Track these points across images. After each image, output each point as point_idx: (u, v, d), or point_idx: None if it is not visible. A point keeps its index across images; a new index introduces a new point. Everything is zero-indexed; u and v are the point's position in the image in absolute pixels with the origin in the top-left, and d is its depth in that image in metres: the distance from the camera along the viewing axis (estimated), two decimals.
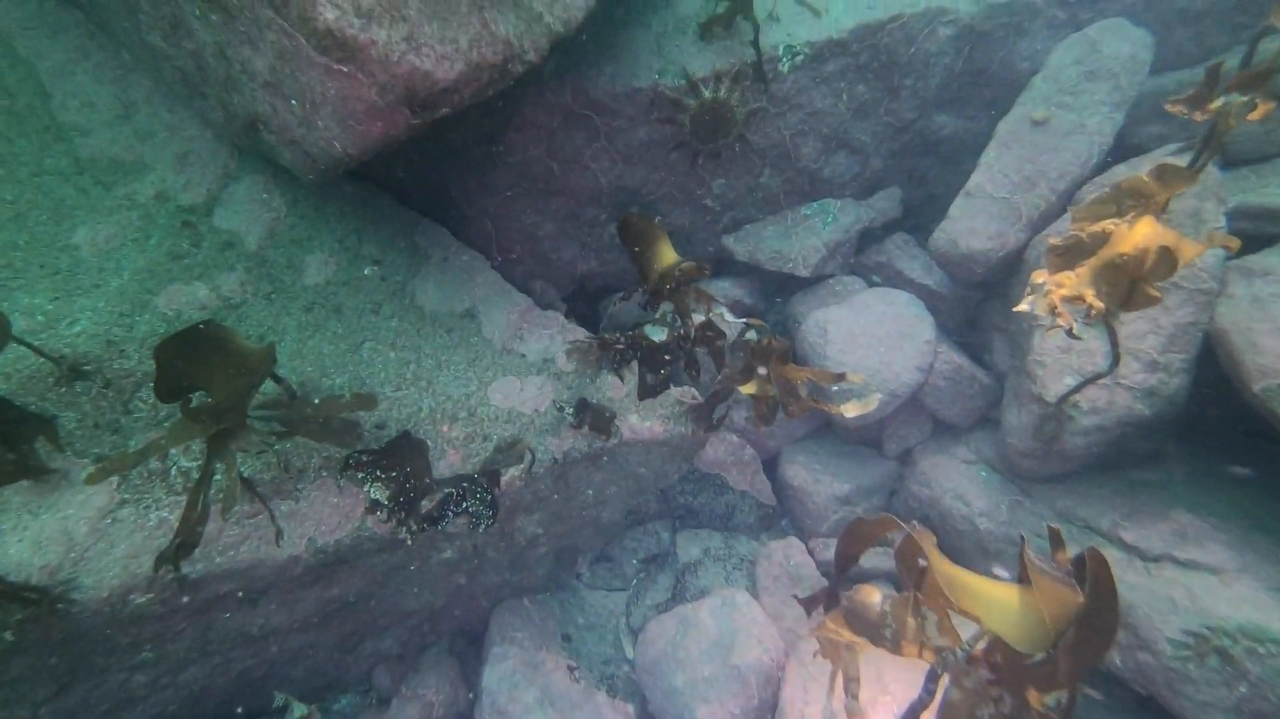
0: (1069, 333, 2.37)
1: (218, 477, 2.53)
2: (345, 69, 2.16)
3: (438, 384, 3.51)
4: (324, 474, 2.94)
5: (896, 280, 4.54)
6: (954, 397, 4.02)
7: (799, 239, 4.65)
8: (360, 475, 2.84)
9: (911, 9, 4.02)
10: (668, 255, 3.22)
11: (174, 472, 2.56)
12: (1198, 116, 2.64)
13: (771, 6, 4.06)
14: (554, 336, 4.01)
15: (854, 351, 4.14)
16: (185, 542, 2.29)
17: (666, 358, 3.13)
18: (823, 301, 4.67)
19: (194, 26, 2.40)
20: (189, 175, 3.41)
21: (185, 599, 2.38)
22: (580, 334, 4.07)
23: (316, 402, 2.76)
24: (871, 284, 4.73)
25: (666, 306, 3.15)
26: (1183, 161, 3.24)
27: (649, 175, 4.47)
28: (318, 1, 2.03)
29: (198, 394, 2.35)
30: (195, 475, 2.57)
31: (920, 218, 4.85)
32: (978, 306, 4.31)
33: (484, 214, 4.52)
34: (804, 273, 4.57)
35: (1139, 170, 3.39)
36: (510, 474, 3.28)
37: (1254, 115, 2.57)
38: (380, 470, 2.87)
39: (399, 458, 2.96)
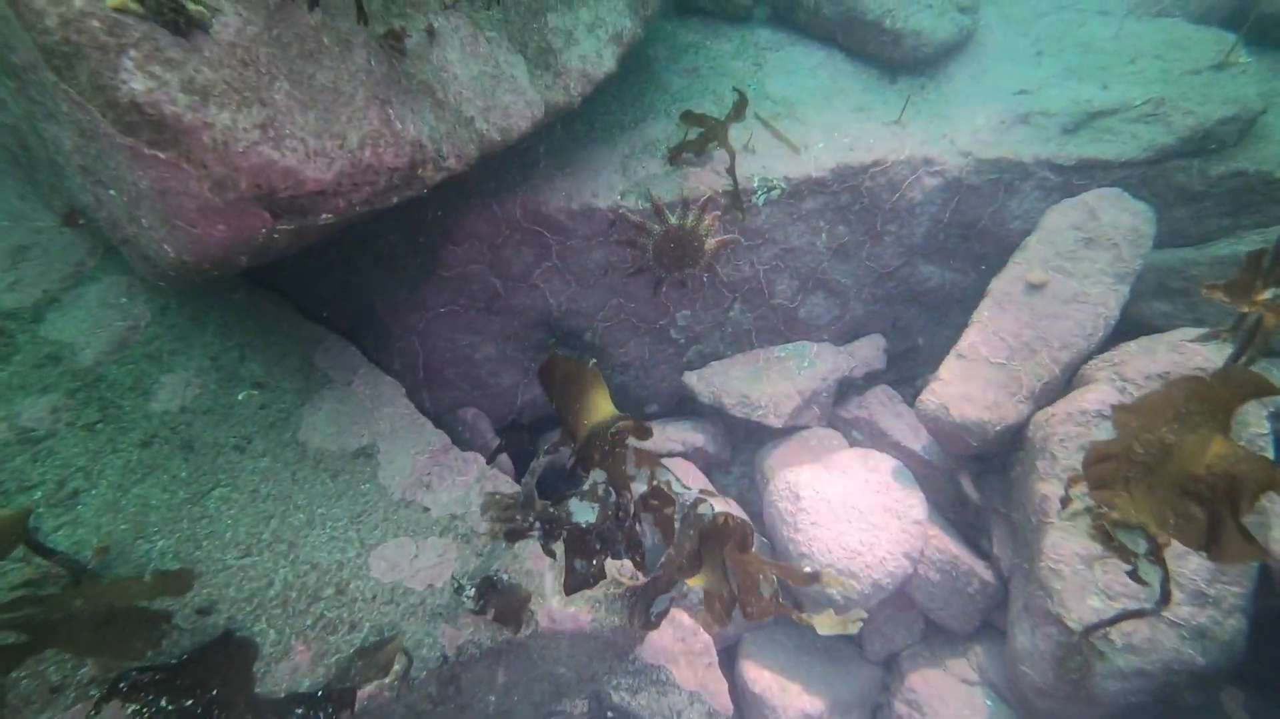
0: (1133, 575, 1.76)
1: None
2: (163, 155, 1.60)
3: (303, 547, 2.72)
4: (93, 693, 2.08)
5: (879, 441, 3.98)
6: (949, 594, 3.33)
7: (771, 383, 4.11)
8: (135, 708, 1.99)
9: (895, 155, 3.75)
10: (602, 407, 2.59)
11: None
12: (1245, 308, 2.20)
13: (747, 138, 3.75)
14: (470, 485, 3.28)
15: (831, 525, 3.47)
16: None
17: (599, 544, 2.42)
18: (795, 457, 4.06)
19: (2, 95, 1.86)
20: (22, 272, 2.76)
21: None
22: (503, 483, 3.36)
23: (94, 587, 1.96)
24: (851, 440, 4.17)
25: (598, 475, 2.47)
26: (1205, 348, 2.82)
27: (605, 300, 3.97)
28: (120, 67, 1.50)
29: None
30: None
31: (904, 370, 4.39)
32: (972, 481, 3.73)
33: (410, 331, 3.92)
34: (775, 423, 4.00)
35: (1155, 352, 2.97)
36: (373, 687, 2.43)
37: None
38: (167, 698, 2.02)
39: (206, 672, 2.12)
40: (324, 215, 2.05)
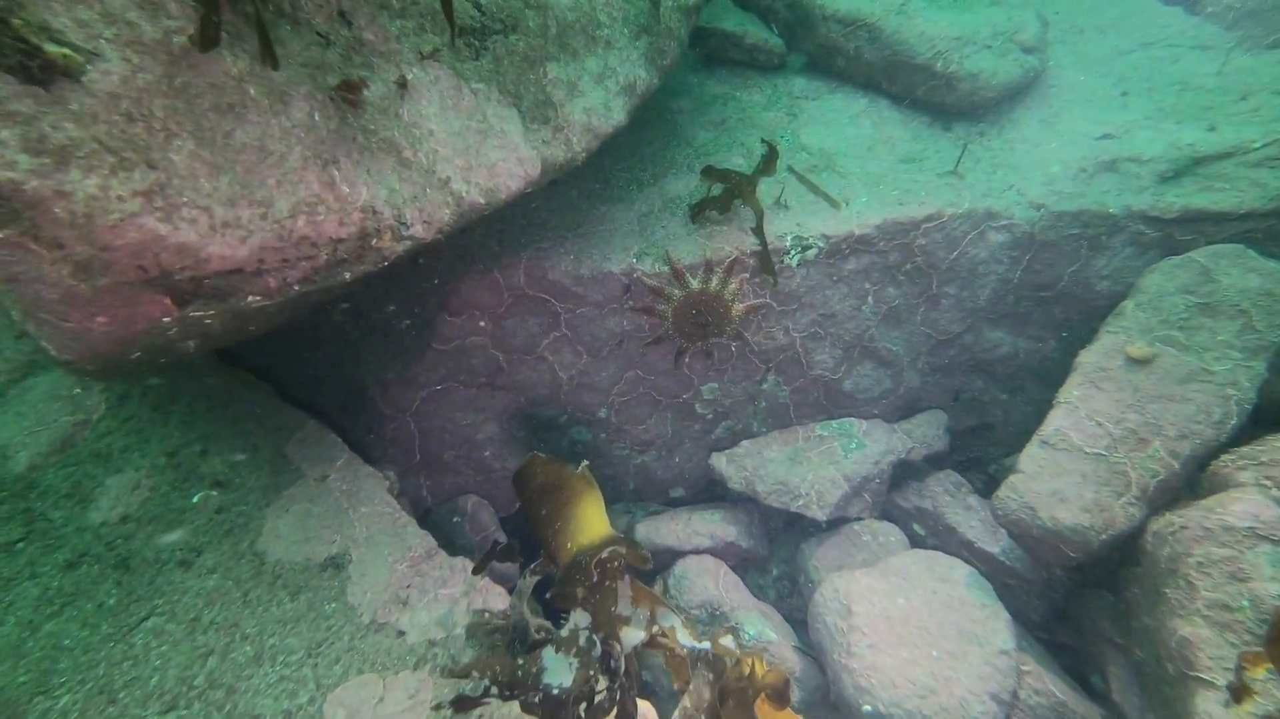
0: None
1: None
2: (1, 234, 1.24)
3: (244, 693, 2.25)
4: None
5: (947, 538, 3.34)
6: None
7: (812, 468, 3.54)
8: None
9: (952, 209, 3.25)
10: (591, 525, 2.07)
11: None
12: None
13: (779, 193, 3.32)
14: (455, 599, 2.77)
15: (893, 652, 2.83)
16: None
17: (583, 712, 1.86)
18: (845, 556, 3.44)
19: None
20: None
21: None
22: (495, 596, 2.83)
23: None
24: (912, 534, 3.54)
25: (581, 618, 1.92)
26: None
27: (621, 372, 3.52)
28: None
29: None
30: None
31: (972, 451, 3.76)
32: (1070, 595, 3.05)
33: (404, 412, 3.52)
34: (819, 515, 3.41)
35: None
36: None
37: None
38: None
39: None
40: (250, 297, 1.66)
